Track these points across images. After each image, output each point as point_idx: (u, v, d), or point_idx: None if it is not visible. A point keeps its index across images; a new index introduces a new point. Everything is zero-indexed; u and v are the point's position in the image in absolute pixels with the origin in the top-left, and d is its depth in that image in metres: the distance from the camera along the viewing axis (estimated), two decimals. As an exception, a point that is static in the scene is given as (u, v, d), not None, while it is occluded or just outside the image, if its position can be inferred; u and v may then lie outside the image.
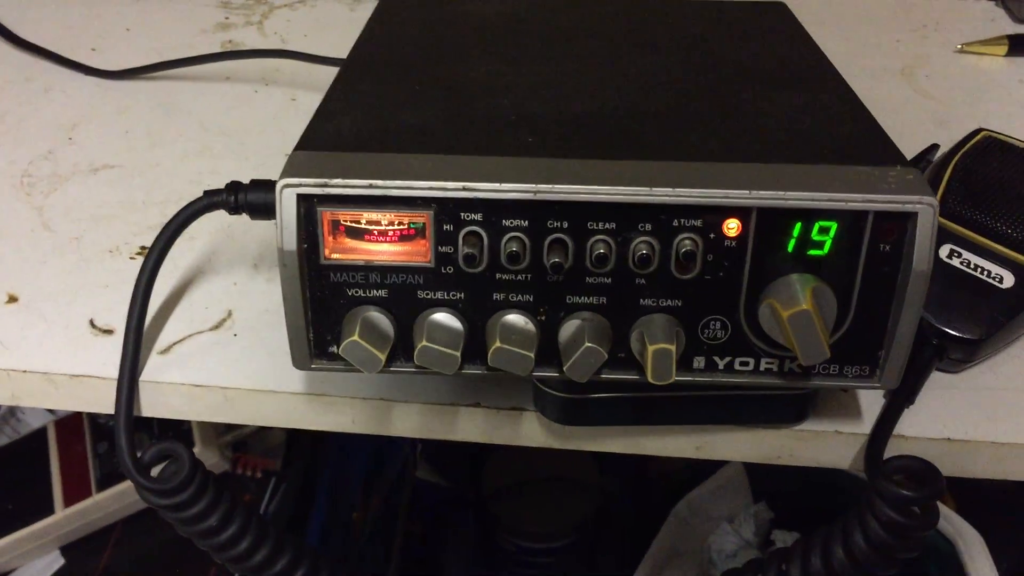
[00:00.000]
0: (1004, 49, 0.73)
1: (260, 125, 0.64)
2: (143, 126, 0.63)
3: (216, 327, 0.47)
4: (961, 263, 0.45)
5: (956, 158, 0.48)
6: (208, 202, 0.43)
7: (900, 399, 0.43)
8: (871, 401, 0.45)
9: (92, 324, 0.47)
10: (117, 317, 0.48)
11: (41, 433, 0.97)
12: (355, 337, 0.37)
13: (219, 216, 0.48)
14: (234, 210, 0.43)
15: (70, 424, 0.97)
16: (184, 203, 0.44)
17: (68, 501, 0.92)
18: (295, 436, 1.00)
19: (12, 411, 1.02)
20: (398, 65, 0.48)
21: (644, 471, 1.07)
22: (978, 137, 0.49)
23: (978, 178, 0.47)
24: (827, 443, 0.44)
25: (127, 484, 0.95)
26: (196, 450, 0.93)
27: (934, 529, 0.41)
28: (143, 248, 0.52)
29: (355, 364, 0.38)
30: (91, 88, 0.67)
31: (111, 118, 0.64)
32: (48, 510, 0.91)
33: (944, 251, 0.45)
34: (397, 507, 1.02)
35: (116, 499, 0.94)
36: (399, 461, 1.07)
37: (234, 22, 0.77)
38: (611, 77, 0.46)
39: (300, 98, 0.67)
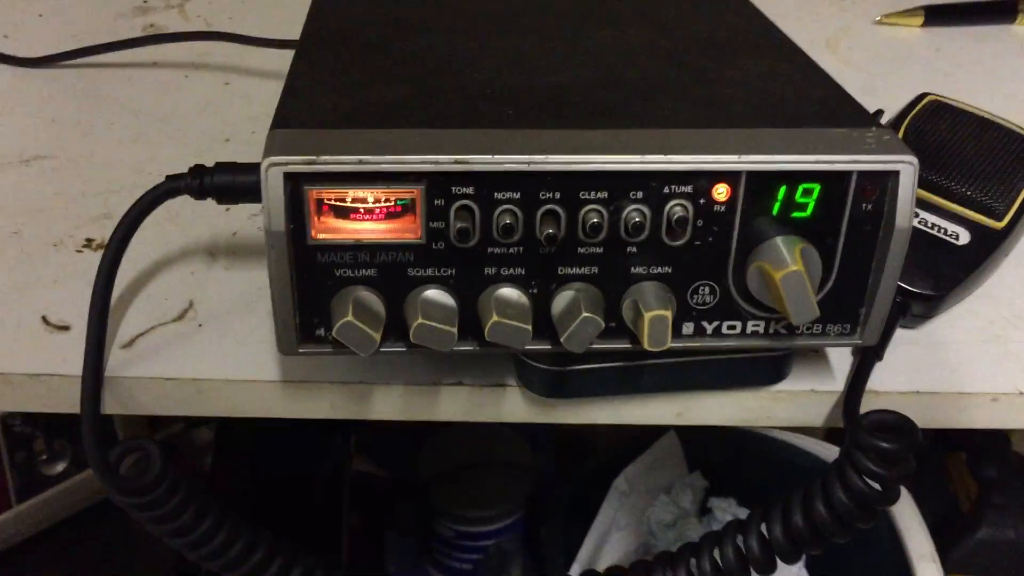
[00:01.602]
0: (920, 20, 0.76)
1: (195, 110, 0.62)
2: (70, 115, 0.60)
3: (179, 318, 0.46)
4: (919, 222, 0.47)
5: (907, 122, 0.50)
6: (171, 187, 0.41)
7: (871, 355, 0.45)
8: (839, 360, 0.46)
9: (45, 321, 0.45)
10: (71, 313, 0.45)
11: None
12: (349, 318, 0.36)
13: (166, 205, 0.46)
14: (199, 194, 0.41)
15: None
16: (127, 193, 0.42)
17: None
18: (223, 435, 0.97)
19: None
20: (357, 41, 0.47)
21: (575, 449, 1.08)
22: (925, 101, 0.51)
23: (930, 140, 0.49)
24: (804, 402, 0.45)
25: (49, 494, 0.91)
26: (122, 453, 0.90)
27: (910, 480, 0.43)
28: (89, 240, 0.50)
29: (350, 346, 0.37)
30: (7, 77, 0.64)
31: (34, 107, 0.60)
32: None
33: (903, 211, 0.47)
34: (338, 502, 1.01)
35: (38, 510, 0.90)
36: (335, 455, 1.05)
37: (153, 5, 0.74)
38: (574, 51, 0.46)
39: (233, 82, 0.65)
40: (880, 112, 0.54)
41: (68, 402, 0.42)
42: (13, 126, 0.59)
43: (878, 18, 0.77)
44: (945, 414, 0.45)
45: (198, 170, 0.41)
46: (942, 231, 0.46)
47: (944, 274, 0.46)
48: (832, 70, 0.68)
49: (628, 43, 0.47)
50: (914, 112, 0.50)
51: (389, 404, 0.44)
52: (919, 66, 0.71)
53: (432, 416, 0.44)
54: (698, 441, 0.98)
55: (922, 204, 0.47)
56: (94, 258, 0.48)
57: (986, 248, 0.46)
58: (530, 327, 0.37)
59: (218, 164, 0.41)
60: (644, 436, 1.00)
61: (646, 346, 0.38)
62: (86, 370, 0.41)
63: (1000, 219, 0.46)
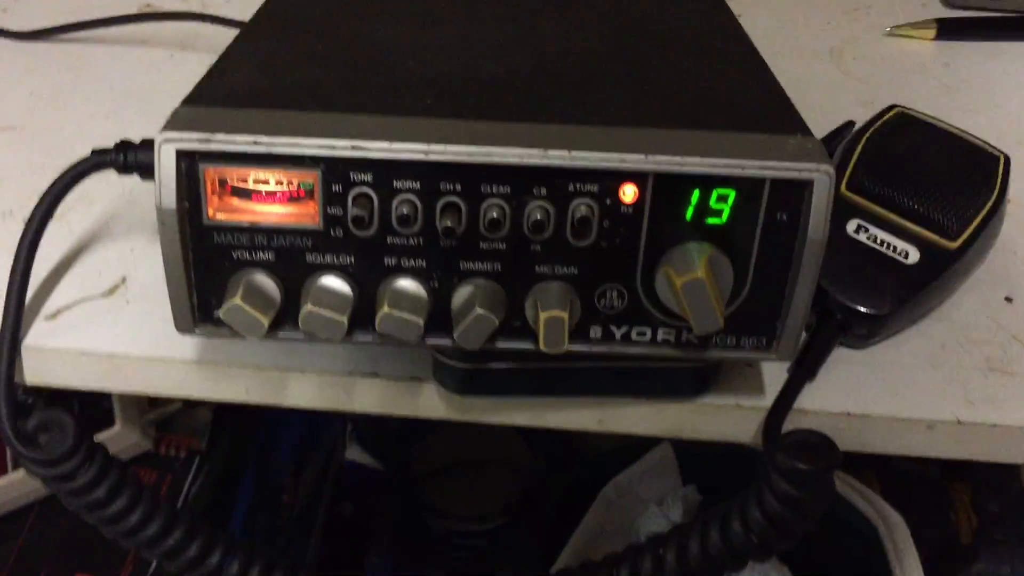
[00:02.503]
0: (933, 33, 0.73)
1: (174, 90, 0.61)
2: (49, 88, 0.61)
3: (108, 293, 0.46)
4: (868, 238, 0.45)
5: (868, 133, 0.48)
6: (96, 161, 0.42)
7: (801, 373, 0.43)
8: (775, 376, 0.44)
9: (-21, 288, 0.45)
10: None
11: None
12: (237, 300, 0.36)
13: (120, 181, 0.46)
14: (124, 170, 0.41)
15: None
16: (78, 164, 0.42)
17: (-18, 481, 0.89)
18: (221, 415, 0.98)
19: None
20: (303, 24, 0.46)
21: (574, 452, 1.07)
22: (891, 113, 0.49)
23: (888, 153, 0.47)
24: (728, 417, 0.43)
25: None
26: (116, 428, 0.91)
27: (830, 503, 0.41)
28: (38, 212, 0.50)
29: (238, 329, 0.36)
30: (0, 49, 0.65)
31: (17, 79, 0.61)
32: (-39, 490, 0.89)
33: (851, 226, 0.45)
34: (326, 489, 1.01)
35: (33, 477, 0.91)
36: (329, 442, 1.06)
37: (154, -15, 0.75)
38: (523, 40, 0.45)
39: (217, 64, 0.65)
40: (850, 124, 0.53)
41: (-16, 369, 0.43)
42: (-9, 96, 0.60)
43: (888, 29, 0.74)
44: (877, 438, 0.43)
45: (123, 146, 0.41)
46: (891, 248, 0.44)
47: (889, 293, 0.44)
48: (831, 81, 0.67)
49: (580, 34, 0.46)
50: (877, 124, 0.48)
51: (304, 392, 0.43)
52: (924, 80, 0.69)
53: (347, 407, 0.44)
54: (694, 453, 0.96)
55: (872, 218, 0.45)
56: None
57: (936, 268, 0.44)
58: (421, 320, 0.36)
59: (143, 140, 0.41)
60: (642, 444, 0.98)
61: (542, 347, 0.37)
62: (2, 338, 0.42)
63: (954, 239, 0.44)
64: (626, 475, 0.96)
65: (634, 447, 0.98)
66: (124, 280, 0.46)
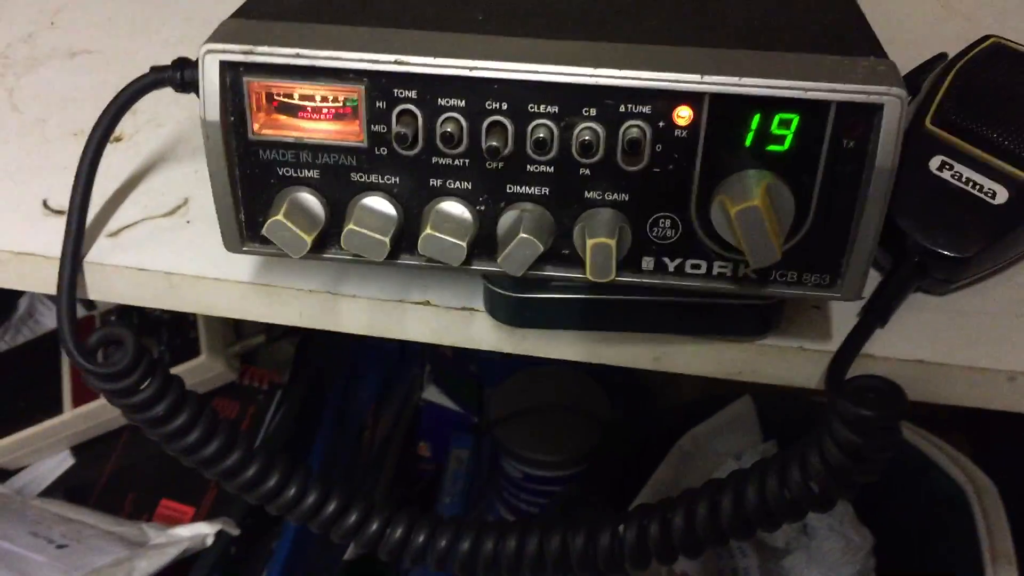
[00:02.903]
0: (1047, -33, 0.68)
1: (249, 18, 0.62)
2: (127, 14, 0.61)
3: (170, 213, 0.46)
4: (952, 176, 0.42)
5: (959, 64, 0.44)
6: (154, 79, 0.42)
7: (872, 318, 0.40)
8: (844, 321, 0.42)
9: (45, 204, 0.46)
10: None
11: (53, 334, 0.98)
12: (279, 216, 0.35)
13: (190, 105, 0.46)
14: (181, 87, 0.41)
15: (83, 326, 0.98)
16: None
17: (76, 402, 0.92)
18: (304, 350, 1.00)
19: (31, 312, 1.03)
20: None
21: (652, 402, 1.05)
22: (986, 43, 0.45)
23: (980, 86, 0.43)
24: (791, 359, 0.41)
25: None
26: (202, 359, 0.93)
27: (894, 452, 0.39)
28: (109, 133, 0.51)
29: (280, 246, 0.36)
30: (81, -25, 0.66)
31: (96, 4, 0.62)
32: (57, 410, 0.92)
33: (935, 163, 0.42)
34: (405, 428, 1.02)
35: (95, 415, 0.94)
36: (407, 382, 1.06)
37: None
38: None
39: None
40: (942, 56, 0.49)
41: (48, 283, 0.44)
42: (72, 21, 0.60)
43: (1000, -38, 0.69)
44: (950, 389, 0.40)
45: (180, 63, 0.41)
46: (976, 187, 0.41)
47: (972, 235, 0.41)
48: (930, 15, 0.62)
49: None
50: (970, 55, 0.45)
51: (356, 317, 0.43)
52: (1033, 16, 0.64)
53: (399, 334, 0.43)
54: (775, 408, 0.93)
55: (957, 155, 0.42)
56: (110, 150, 0.49)
57: (1026, 210, 0.41)
58: (463, 243, 0.35)
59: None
60: (723, 396, 0.96)
61: (588, 275, 0.35)
62: (64, 253, 0.42)
63: (1047, 179, 0.41)
64: (704, 427, 0.94)
65: (713, 400, 0.96)
66: (186, 201, 0.47)
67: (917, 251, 0.41)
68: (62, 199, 0.46)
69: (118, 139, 0.50)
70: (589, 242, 0.35)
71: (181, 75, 0.41)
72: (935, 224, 0.41)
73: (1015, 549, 0.77)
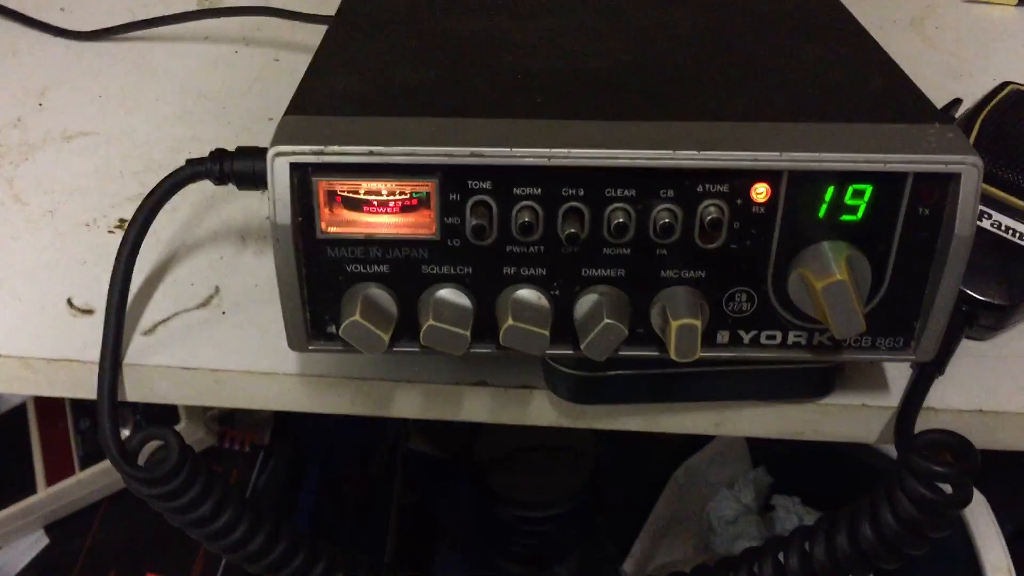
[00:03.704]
0: (1015, -1, 0.70)
1: (242, 88, 0.60)
2: (117, 90, 0.59)
3: (203, 304, 0.45)
4: (991, 225, 0.43)
5: (984, 114, 0.45)
6: (192, 172, 0.40)
7: (930, 369, 0.41)
8: (897, 372, 0.42)
9: (70, 303, 0.44)
10: (97, 296, 0.45)
11: (20, 410, 0.94)
12: (356, 317, 0.34)
13: (201, 185, 0.45)
14: (220, 180, 0.40)
15: (50, 401, 0.94)
16: (164, 172, 0.41)
17: (51, 479, 0.89)
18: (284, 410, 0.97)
19: (-10, 387, 0.99)
20: (391, 20, 0.45)
21: (640, 437, 1.05)
22: (1005, 91, 0.47)
23: (1008, 134, 0.44)
24: (853, 417, 0.41)
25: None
26: (181, 425, 0.90)
27: (965, 506, 0.39)
28: (122, 221, 0.49)
29: (357, 346, 0.35)
30: (61, 50, 0.64)
31: (83, 82, 0.60)
32: (30, 489, 0.88)
33: (973, 213, 0.43)
34: (392, 480, 1.00)
35: (101, 476, 0.91)
36: (392, 432, 1.05)
37: (210, -21, 0.73)
38: (622, 31, 0.43)
39: (283, 58, 0.64)
40: (957, 102, 0.50)
41: (86, 389, 0.42)
42: (60, 100, 0.58)
43: (969, -4, 0.71)
44: (1011, 436, 0.41)
45: (218, 155, 0.40)
46: (1016, 234, 0.42)
47: (1017, 282, 0.42)
48: (914, 52, 0.64)
49: (681, 24, 0.44)
50: (994, 103, 0.46)
51: (409, 403, 0.42)
52: (1012, 48, 0.66)
53: (454, 417, 0.43)
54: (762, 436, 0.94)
55: (995, 204, 0.43)
56: (126, 240, 0.47)
57: (1066, 255, 0.42)
58: (547, 332, 0.35)
59: (239, 149, 0.40)
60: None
61: (673, 356, 0.35)
62: (103, 358, 0.41)
63: (1084, 224, 0.42)
64: (696, 459, 0.94)
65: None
66: (217, 291, 0.45)
67: (964, 300, 0.42)
68: (87, 297, 0.45)
69: (134, 227, 0.48)
70: (674, 323, 0.34)
71: (220, 167, 0.40)
72: (979, 273, 0.42)
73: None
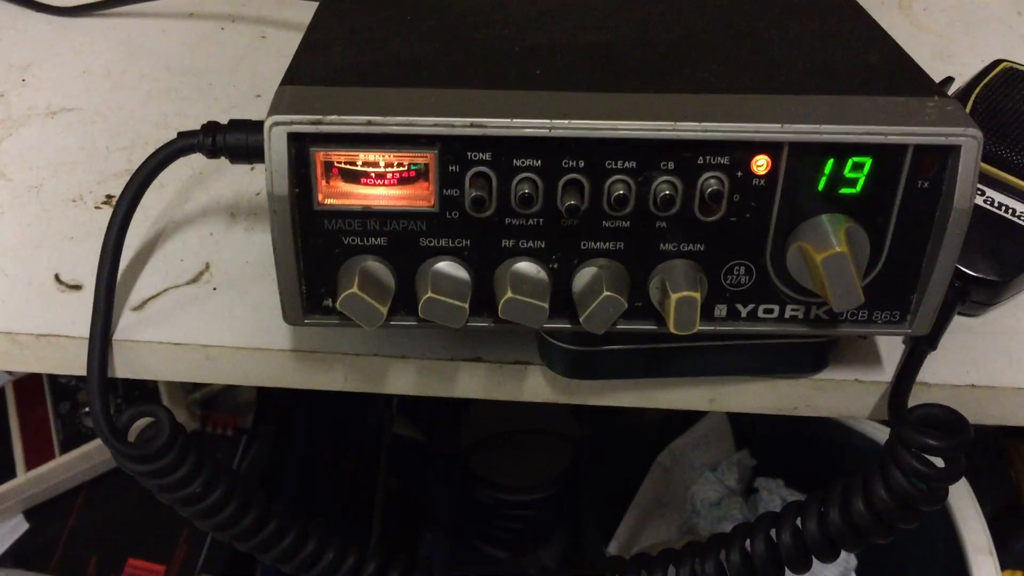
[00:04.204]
0: (1001, -19, 0.70)
1: (229, 64, 0.60)
2: (102, 66, 0.58)
3: (194, 280, 0.44)
4: (984, 201, 0.43)
5: (977, 91, 0.46)
6: (183, 145, 0.40)
7: (923, 344, 0.41)
8: (890, 348, 0.43)
9: (58, 279, 0.44)
10: (85, 271, 0.44)
11: (-1, 394, 0.93)
12: (354, 289, 0.34)
13: (189, 161, 0.44)
14: (212, 153, 0.39)
15: (29, 384, 0.93)
16: (152, 149, 0.40)
17: (30, 464, 0.88)
18: (266, 392, 0.97)
19: (-33, 372, 0.98)
20: (385, -7, 0.44)
21: (622, 420, 1.06)
22: (998, 69, 0.47)
23: (1001, 111, 0.45)
24: (847, 392, 0.42)
25: (91, 445, 0.91)
26: (163, 409, 0.90)
27: (958, 480, 0.39)
28: (109, 197, 0.48)
29: (354, 319, 0.35)
30: (43, 26, 0.63)
31: (67, 58, 0.59)
32: (10, 474, 0.87)
33: (967, 189, 0.43)
34: (375, 464, 1.00)
35: (80, 461, 0.91)
36: (375, 417, 1.04)
37: (194, -45, 0.72)
38: (620, 5, 0.43)
39: (270, 35, 0.63)
40: (949, 80, 0.51)
41: (75, 364, 0.41)
42: (44, 77, 0.57)
43: (955, -22, 0.72)
44: (1003, 410, 0.41)
45: (211, 128, 0.39)
46: (1009, 211, 0.42)
47: (1009, 258, 0.42)
48: (902, 33, 0.64)
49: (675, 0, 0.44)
50: (986, 80, 0.46)
51: (404, 379, 0.42)
52: (998, 30, 0.66)
53: (449, 393, 0.42)
54: (747, 418, 0.95)
55: (988, 180, 0.43)
56: (114, 215, 0.47)
57: (1057, 231, 0.42)
58: (547, 305, 0.35)
59: (231, 122, 0.39)
60: (691, 410, 0.96)
61: (672, 329, 0.35)
62: (93, 333, 0.40)
63: (1075, 200, 0.42)
64: (680, 442, 0.95)
65: (682, 414, 0.97)
66: (208, 267, 0.45)
67: (956, 276, 0.42)
68: (75, 273, 0.44)
69: (121, 203, 0.47)
70: (673, 296, 0.34)
71: (212, 140, 0.39)
72: (972, 249, 0.42)
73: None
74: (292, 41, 0.62)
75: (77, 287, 0.43)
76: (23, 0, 0.64)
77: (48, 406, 0.92)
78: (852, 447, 0.88)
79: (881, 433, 0.87)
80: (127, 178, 0.48)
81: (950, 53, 0.63)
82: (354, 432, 1.03)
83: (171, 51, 0.61)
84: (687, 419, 0.96)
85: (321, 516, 0.93)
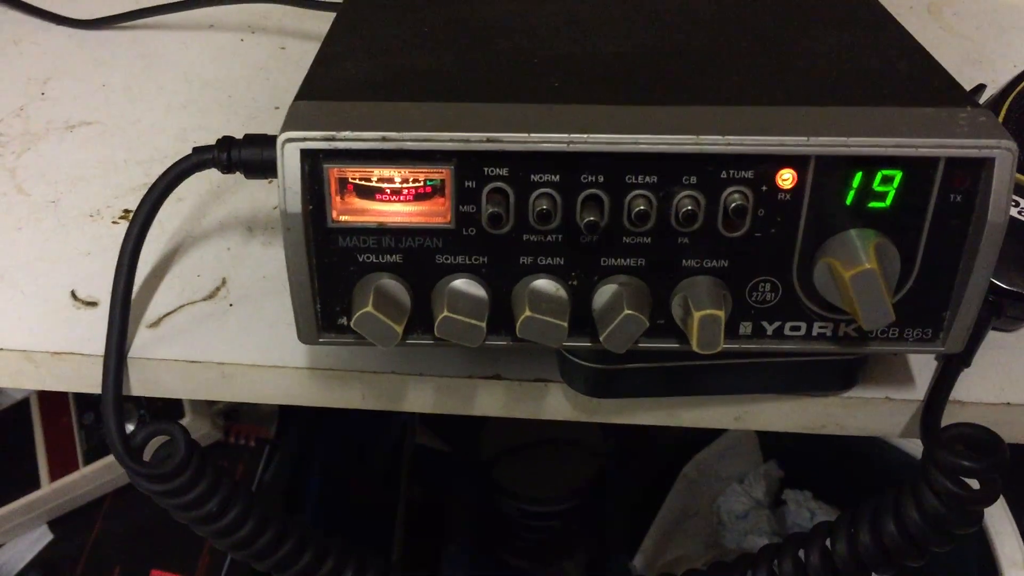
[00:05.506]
0: (1034, -16, 0.69)
1: (248, 76, 0.59)
2: (121, 79, 0.58)
3: (210, 297, 0.43)
4: (1019, 212, 0.42)
5: (1010, 99, 0.44)
6: (198, 160, 0.39)
7: (957, 361, 0.40)
8: (922, 365, 0.41)
9: (74, 296, 0.43)
10: (101, 288, 0.44)
11: (24, 405, 0.93)
12: (369, 308, 0.33)
13: (207, 175, 0.44)
14: (227, 168, 0.39)
15: (54, 396, 0.93)
16: (170, 162, 0.40)
17: (54, 475, 0.88)
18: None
19: (-7, 381, 0.98)
20: (401, 5, 0.43)
21: (648, 431, 1.04)
22: (1032, 76, 0.45)
23: (1036, 120, 0.43)
24: (877, 411, 0.40)
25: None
26: (186, 420, 0.90)
27: (993, 503, 0.38)
28: (126, 212, 0.48)
29: (369, 338, 0.34)
30: (64, 39, 0.63)
31: (87, 71, 0.59)
32: (34, 485, 0.88)
33: (1001, 201, 0.42)
34: (398, 474, 1.00)
35: (104, 472, 0.91)
36: (398, 427, 1.04)
37: (215, -33, 0.72)
38: (641, 15, 0.42)
39: (290, 46, 0.63)
40: (980, 88, 0.49)
41: (90, 382, 0.41)
42: (64, 90, 0.57)
43: (987, -19, 0.70)
44: (1039, 430, 0.40)
45: (225, 143, 0.39)
46: (1045, 223, 0.41)
47: (1045, 272, 0.40)
48: (932, 38, 0.63)
49: (698, 8, 0.43)
50: (1020, 87, 0.45)
51: (422, 397, 0.41)
52: (1031, 35, 0.65)
53: (467, 411, 0.42)
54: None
55: (1022, 191, 0.42)
56: (131, 230, 0.46)
57: (1095, 244, 0.41)
58: (566, 323, 0.34)
59: (246, 137, 0.39)
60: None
61: (696, 348, 0.34)
62: (108, 351, 0.40)
63: (1114, 212, 0.41)
64: (706, 453, 0.93)
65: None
66: (224, 282, 0.44)
67: (992, 291, 0.41)
68: (91, 289, 0.44)
69: (138, 218, 0.47)
70: (697, 314, 0.33)
71: (228, 155, 0.38)
72: (1007, 263, 0.41)
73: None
74: (311, 52, 0.61)
75: (93, 303, 0.43)
76: (43, 13, 0.64)
77: (72, 417, 0.92)
78: (883, 459, 0.86)
79: (912, 445, 0.85)
80: (145, 192, 0.48)
81: (981, 58, 0.61)
82: (377, 442, 1.02)
83: (190, 63, 0.60)
84: (713, 430, 0.94)
85: (343, 526, 0.93)
